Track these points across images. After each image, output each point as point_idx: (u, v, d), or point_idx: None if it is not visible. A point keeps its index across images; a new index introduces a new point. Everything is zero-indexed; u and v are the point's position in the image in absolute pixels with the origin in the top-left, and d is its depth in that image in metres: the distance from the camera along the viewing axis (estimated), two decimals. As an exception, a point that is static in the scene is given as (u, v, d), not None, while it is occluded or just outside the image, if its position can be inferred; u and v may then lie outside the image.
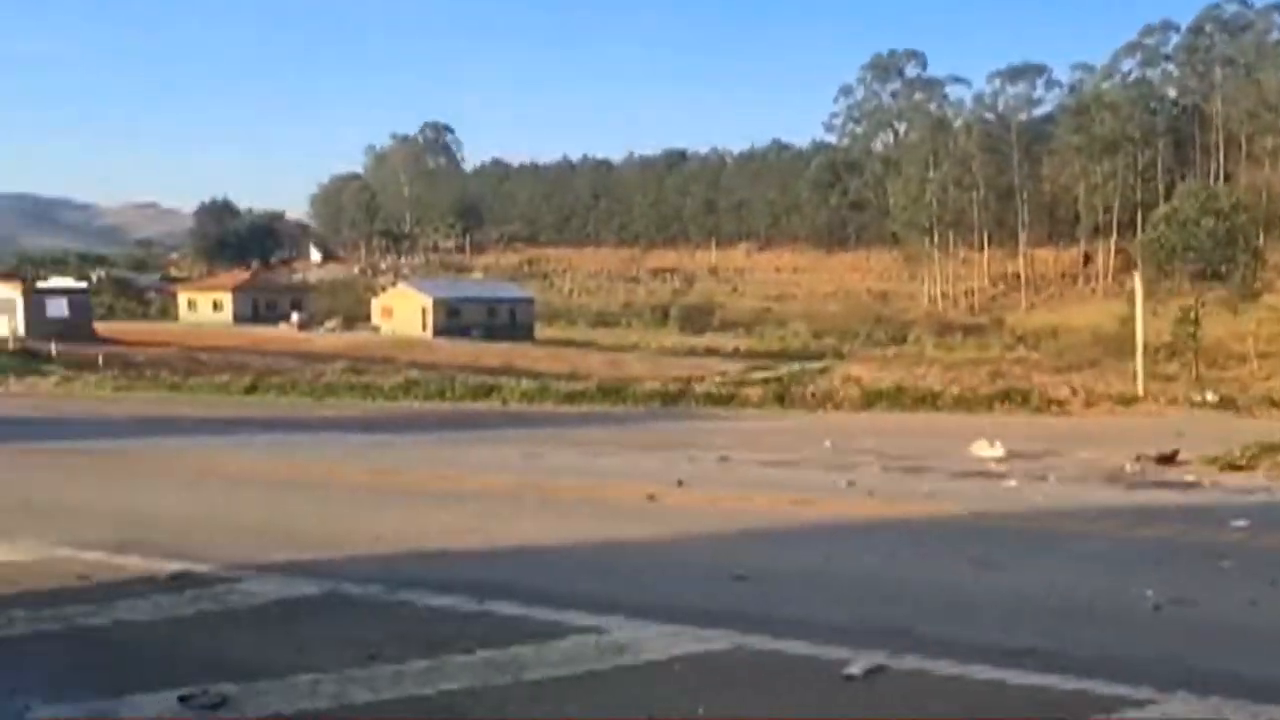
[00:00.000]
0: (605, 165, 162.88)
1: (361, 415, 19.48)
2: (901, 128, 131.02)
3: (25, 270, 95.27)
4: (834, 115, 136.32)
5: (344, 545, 8.67)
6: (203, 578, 7.50)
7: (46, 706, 5.27)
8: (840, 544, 8.96)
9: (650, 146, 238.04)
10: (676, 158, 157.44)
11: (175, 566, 7.75)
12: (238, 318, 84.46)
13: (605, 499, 10.99)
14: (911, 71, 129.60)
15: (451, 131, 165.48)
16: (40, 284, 70.49)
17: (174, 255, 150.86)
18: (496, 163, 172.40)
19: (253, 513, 10.17)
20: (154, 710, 5.22)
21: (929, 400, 20.19)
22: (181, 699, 5.32)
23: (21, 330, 57.88)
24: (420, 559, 8.21)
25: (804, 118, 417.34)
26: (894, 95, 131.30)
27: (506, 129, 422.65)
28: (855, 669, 5.59)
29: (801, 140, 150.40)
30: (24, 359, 41.44)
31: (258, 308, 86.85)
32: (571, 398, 20.71)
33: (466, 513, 10.07)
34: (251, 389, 23.90)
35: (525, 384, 22.19)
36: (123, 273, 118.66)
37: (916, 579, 7.67)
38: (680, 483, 11.59)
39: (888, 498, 10.93)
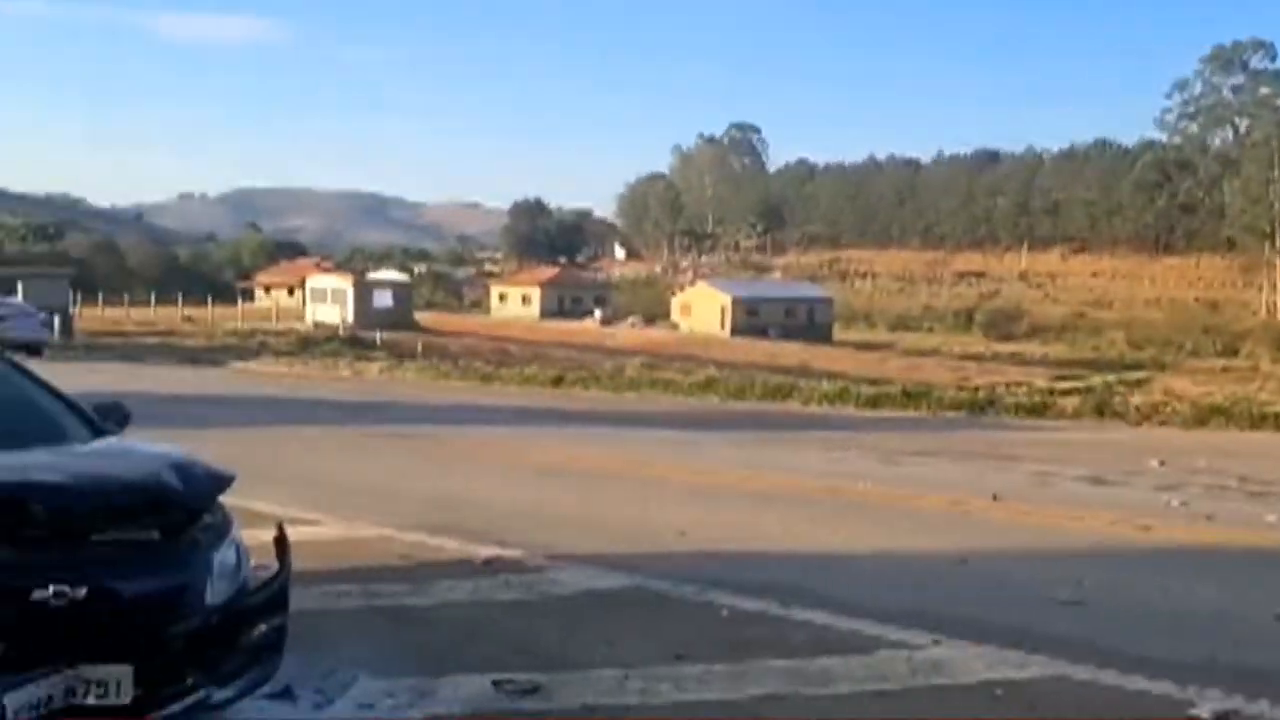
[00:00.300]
0: (912, 165, 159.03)
1: (662, 410, 19.69)
2: (1243, 124, 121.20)
3: (356, 263, 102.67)
4: (1166, 111, 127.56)
5: (649, 540, 8.70)
6: (515, 564, 7.67)
7: (373, 680, 5.48)
8: (1176, 572, 8.20)
9: (960, 145, 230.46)
10: (988, 157, 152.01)
11: (489, 551, 7.96)
12: (544, 312, 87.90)
13: (913, 507, 10.56)
14: (1258, 64, 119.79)
15: (758, 132, 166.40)
16: (369, 276, 75.68)
17: (489, 252, 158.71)
18: (801, 162, 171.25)
19: (561, 502, 10.36)
20: (468, 692, 5.34)
21: (1273, 420, 18.37)
22: (495, 683, 5.40)
23: (350, 319, 62.39)
24: (724, 558, 8.11)
25: (1130, 115, 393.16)
26: (1236, 90, 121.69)
27: (812, 129, 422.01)
28: (1204, 712, 5.04)
29: (1128, 138, 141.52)
30: (353, 346, 44.51)
31: (563, 303, 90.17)
32: (873, 401, 20.20)
33: (770, 514, 9.91)
34: (558, 381, 24.64)
35: (826, 386, 21.85)
36: (442, 267, 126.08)
37: (1263, 617, 6.87)
38: (995, 496, 10.97)
39: (1229, 524, 9.97)
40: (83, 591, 4.09)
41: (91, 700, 4.11)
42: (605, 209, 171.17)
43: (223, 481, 4.87)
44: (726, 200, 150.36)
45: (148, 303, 69.36)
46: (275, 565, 4.90)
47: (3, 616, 3.96)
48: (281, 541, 5.07)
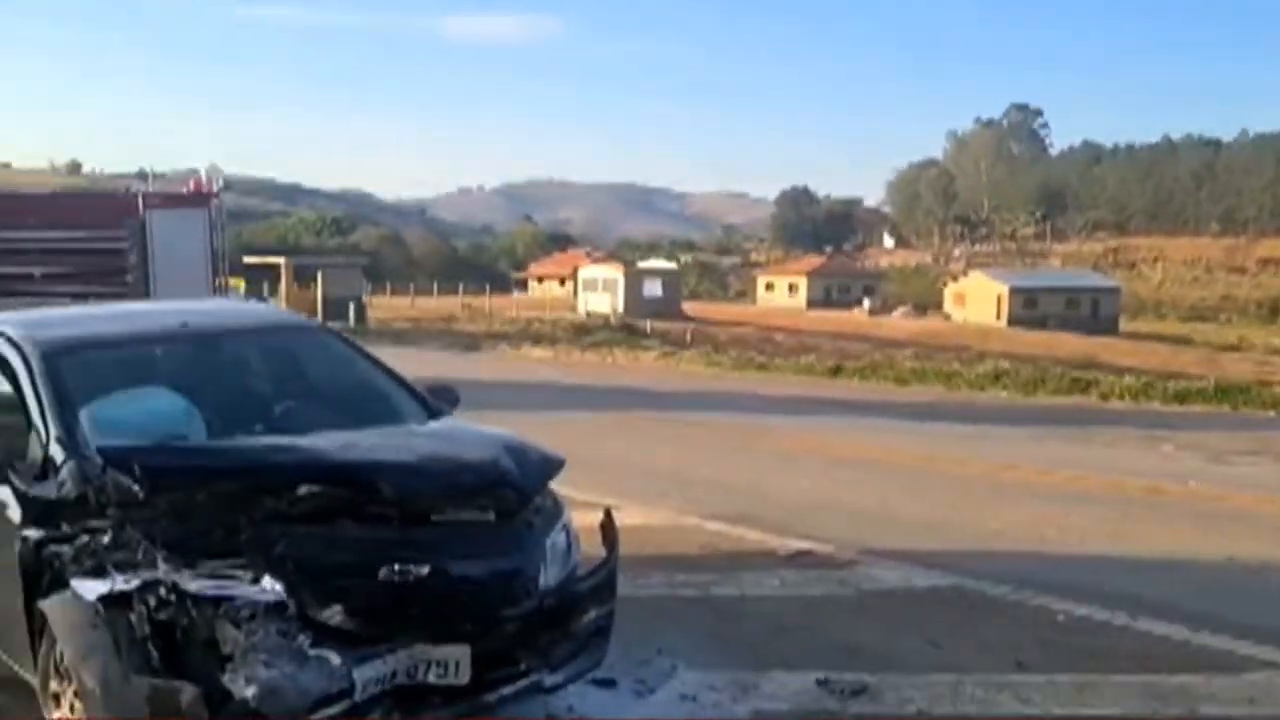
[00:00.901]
0: (1212, 145, 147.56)
1: (950, 402, 18.93)
2: None
3: (623, 253, 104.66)
4: None
5: (961, 537, 8.25)
6: (823, 558, 7.41)
7: (692, 671, 5.35)
8: None
9: (1268, 123, 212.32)
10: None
11: (794, 544, 7.73)
12: (811, 302, 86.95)
13: (1248, 510, 9.63)
14: None
15: (1039, 114, 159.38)
16: (639, 266, 76.93)
17: (755, 241, 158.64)
18: (1086, 145, 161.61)
19: (858, 495, 10.01)
20: (793, 689, 5.13)
21: None
22: (819, 682, 5.17)
23: (620, 308, 63.58)
24: (1047, 559, 7.58)
25: None
26: None
27: (1099, 109, 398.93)
28: None
29: None
30: (625, 334, 45.27)
31: (830, 292, 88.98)
32: (1180, 396, 18.77)
33: (1088, 513, 9.23)
34: (836, 371, 24.18)
35: (1129, 380, 20.47)
36: (707, 257, 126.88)
37: None
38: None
39: None
40: (425, 571, 4.11)
41: (432, 679, 4.13)
42: (874, 197, 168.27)
43: (554, 465, 4.83)
44: (1003, 186, 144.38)
45: (430, 292, 72.80)
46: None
47: (351, 593, 4.02)
48: (609, 528, 5.00)
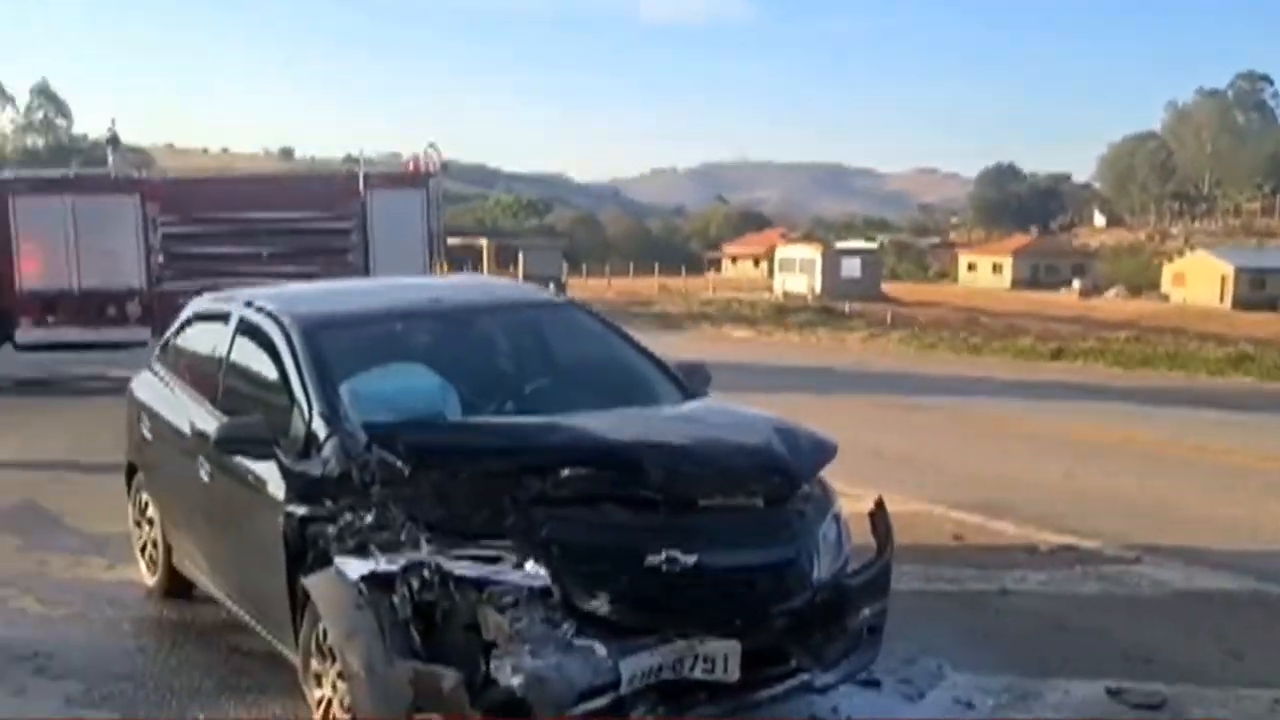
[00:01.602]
0: None
1: (1184, 388, 17.70)
2: None
3: (817, 233, 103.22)
4: None
5: (1246, 535, 7.52)
6: (1090, 554, 6.85)
7: (961, 674, 4.96)
8: None
9: None
10: None
11: (1054, 538, 7.20)
12: (1016, 282, 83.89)
13: None
14: None
15: (1269, 82, 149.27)
16: (837, 246, 75.63)
17: (953, 219, 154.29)
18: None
19: (1114, 483, 9.29)
20: (1079, 698, 4.68)
21: None
22: (1110, 692, 4.71)
23: (817, 288, 62.59)
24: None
25: None
26: None
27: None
28: None
29: None
30: (824, 315, 44.49)
31: (1037, 272, 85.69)
32: None
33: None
34: (1057, 354, 23.06)
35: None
36: (904, 236, 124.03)
37: None
38: None
39: None
40: (692, 560, 3.88)
41: (699, 673, 3.90)
42: (1084, 172, 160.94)
43: (827, 450, 4.51)
44: (1227, 159, 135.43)
45: (626, 272, 73.31)
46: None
47: (617, 581, 3.80)
48: (880, 517, 4.65)
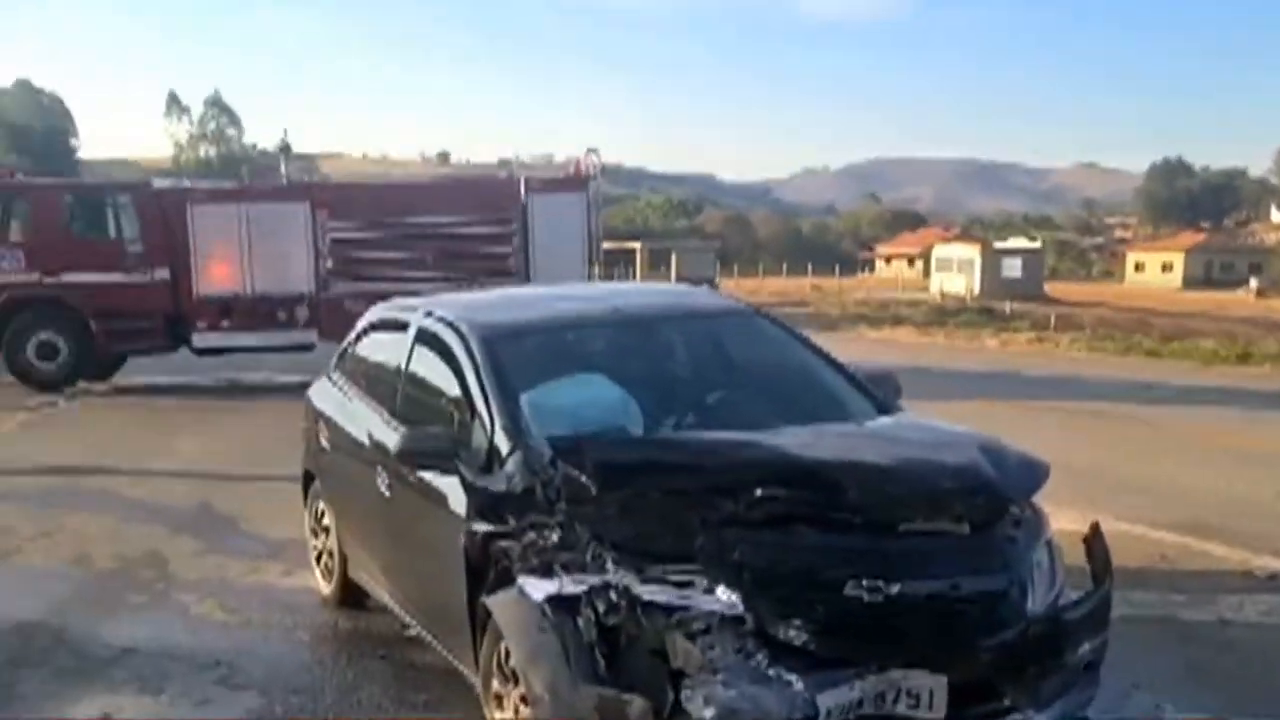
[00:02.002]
0: None
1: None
2: None
3: (974, 231, 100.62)
4: None
5: None
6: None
7: (1183, 715, 4.55)
8: None
9: None
10: None
11: (1273, 562, 6.66)
12: (1188, 281, 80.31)
13: None
14: None
15: None
16: (998, 245, 73.53)
17: (1117, 216, 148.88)
18: None
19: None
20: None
21: None
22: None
23: (976, 289, 60.88)
24: None
25: None
26: None
27: None
28: None
29: None
30: (985, 316, 43.25)
31: (1210, 270, 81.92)
32: None
33: None
34: (1243, 358, 21.76)
35: None
36: (1065, 234, 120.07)
37: None
38: None
39: None
40: (895, 588, 3.60)
41: (902, 709, 3.62)
42: (1260, 166, 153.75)
43: (1039, 472, 4.18)
44: None
45: (777, 273, 72.79)
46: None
47: (814, 609, 3.56)
48: (1097, 544, 4.30)
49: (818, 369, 5.09)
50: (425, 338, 5.07)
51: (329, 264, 16.82)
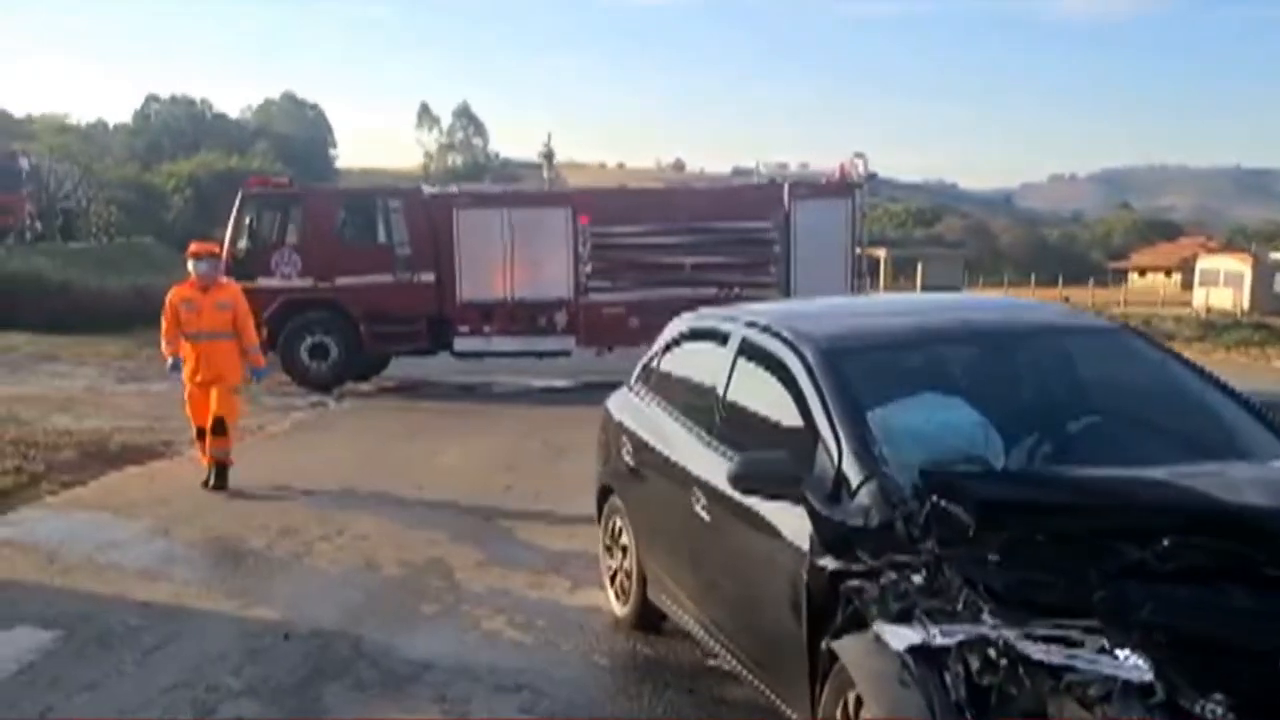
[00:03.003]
0: None
1: None
2: None
3: (1237, 243, 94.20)
4: None
5: None
6: None
7: None
8: None
9: None
10: None
11: None
12: None
13: None
14: None
15: None
16: (1273, 257, 68.50)
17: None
18: None
19: None
20: None
21: None
22: None
23: (1245, 303, 56.78)
24: None
25: None
26: None
27: None
28: None
29: None
30: (1263, 332, 40.13)
31: None
32: None
33: None
34: None
35: None
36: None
37: None
38: None
39: None
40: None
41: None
42: None
43: None
44: None
45: (1024, 284, 69.99)
46: None
47: (1241, 681, 2.94)
48: None
49: (1206, 396, 4.42)
50: (751, 351, 4.67)
51: (588, 270, 16.84)
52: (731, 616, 4.57)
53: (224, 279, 10.26)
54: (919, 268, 46.47)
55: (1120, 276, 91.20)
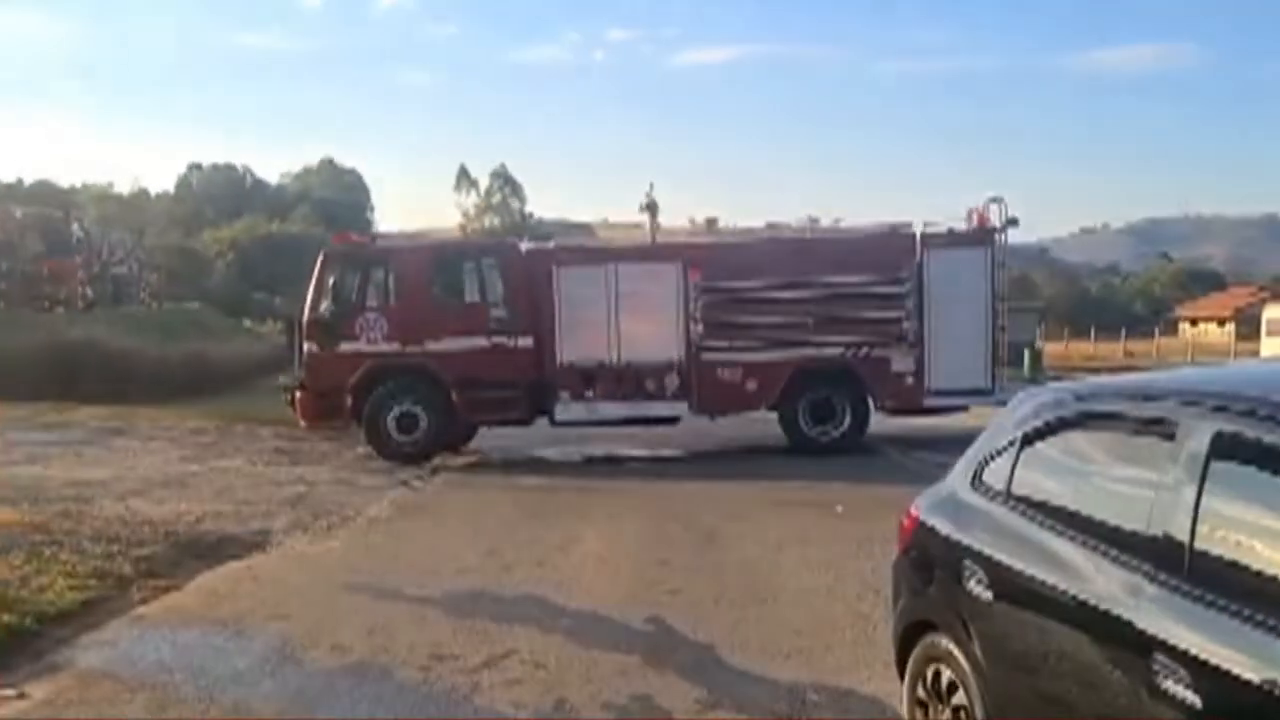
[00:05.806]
0: None
1: None
2: None
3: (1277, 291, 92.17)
4: None
5: None
6: None
7: None
8: None
9: None
10: None
11: None
12: None
13: None
14: None
15: None
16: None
17: None
18: None
19: None
20: None
21: None
22: None
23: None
24: None
25: None
26: None
27: None
28: None
29: None
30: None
31: None
32: None
33: None
34: None
35: None
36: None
37: None
38: None
39: None
40: None
41: None
42: None
43: None
44: None
45: (1073, 336, 68.53)
46: None
47: None
48: None
49: None
50: (1240, 450, 3.20)
51: (700, 329, 15.42)
52: None
53: None
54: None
55: (1170, 327, 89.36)
